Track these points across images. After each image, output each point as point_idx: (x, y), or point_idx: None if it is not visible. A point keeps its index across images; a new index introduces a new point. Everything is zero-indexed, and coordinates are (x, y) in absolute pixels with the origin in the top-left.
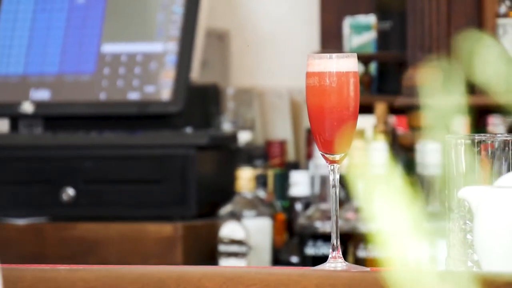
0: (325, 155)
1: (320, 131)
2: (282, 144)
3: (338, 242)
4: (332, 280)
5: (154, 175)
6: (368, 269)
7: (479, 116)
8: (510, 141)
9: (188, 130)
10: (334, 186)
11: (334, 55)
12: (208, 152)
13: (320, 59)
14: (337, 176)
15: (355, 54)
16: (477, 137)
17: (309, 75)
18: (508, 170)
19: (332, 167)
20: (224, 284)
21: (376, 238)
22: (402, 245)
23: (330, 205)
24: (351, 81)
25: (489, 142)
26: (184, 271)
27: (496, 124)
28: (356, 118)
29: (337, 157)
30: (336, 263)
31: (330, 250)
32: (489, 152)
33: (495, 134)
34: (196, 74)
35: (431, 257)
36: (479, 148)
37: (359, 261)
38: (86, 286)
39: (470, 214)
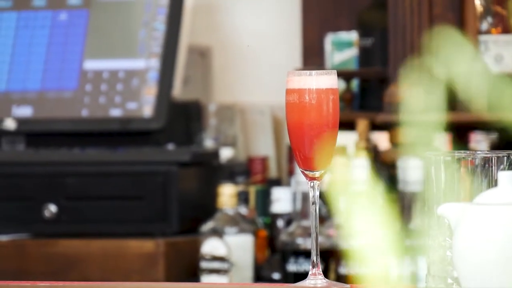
0: (305, 172)
1: (300, 147)
2: (264, 160)
3: (318, 259)
4: None
5: (136, 192)
6: (348, 286)
7: (461, 132)
8: (490, 158)
9: (170, 146)
10: (314, 203)
11: (313, 72)
12: (190, 169)
13: (300, 76)
14: (317, 193)
15: (335, 71)
16: (457, 154)
17: (288, 92)
18: (488, 187)
19: (312, 183)
20: None
21: (356, 255)
22: (381, 261)
23: (311, 221)
24: (330, 98)
25: (469, 159)
26: (165, 287)
27: (478, 140)
28: (336, 135)
29: (316, 174)
30: (316, 279)
31: (310, 267)
32: (469, 169)
33: (475, 151)
34: (178, 91)
35: (412, 274)
36: (459, 165)
37: (340, 278)
38: None
39: (449, 231)
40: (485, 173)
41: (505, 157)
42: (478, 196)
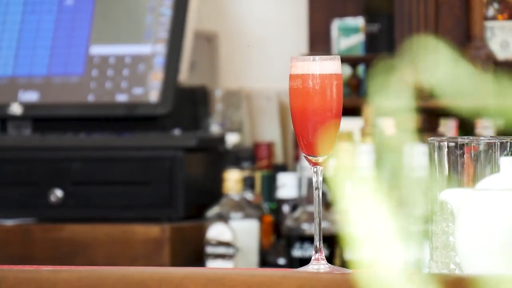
0: (308, 157)
1: (303, 133)
2: (270, 146)
3: (321, 244)
4: (314, 282)
5: (142, 177)
6: (350, 271)
7: (468, 118)
8: (493, 143)
9: (176, 132)
10: (317, 188)
11: (317, 57)
12: (196, 154)
13: (304, 61)
14: (320, 178)
15: (339, 56)
16: (461, 139)
17: (292, 77)
18: (492, 173)
19: (315, 169)
20: (205, 285)
21: (354, 240)
22: (381, 247)
23: (314, 207)
24: (334, 83)
25: (473, 144)
26: (166, 272)
27: (485, 127)
28: (339, 121)
29: (320, 159)
30: (319, 265)
31: (313, 252)
32: (472, 154)
33: (479, 136)
34: (184, 76)
35: (417, 259)
36: (462, 151)
37: (346, 264)
38: (68, 287)
39: (452, 216)
40: (489, 159)
41: (508, 143)
42: (480, 181)
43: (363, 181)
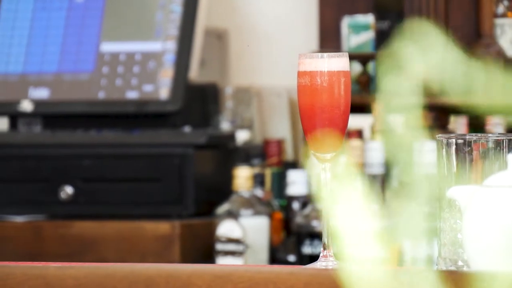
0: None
1: (311, 130)
2: (280, 143)
3: (330, 241)
4: (321, 279)
5: (152, 174)
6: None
7: (478, 115)
8: (502, 140)
9: (187, 129)
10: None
11: (325, 54)
12: (206, 151)
13: (311, 59)
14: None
15: (347, 53)
16: (469, 136)
17: (300, 74)
18: (500, 170)
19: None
20: (213, 282)
21: (364, 237)
22: (385, 244)
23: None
24: (342, 81)
25: (481, 142)
26: (174, 269)
27: (495, 124)
28: (347, 118)
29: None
30: (327, 261)
31: (322, 249)
32: (481, 151)
33: (488, 133)
34: (194, 73)
35: (428, 256)
36: (470, 148)
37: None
38: (75, 283)
39: (460, 213)
40: (497, 156)
41: None
42: (488, 178)
43: (365, 179)
